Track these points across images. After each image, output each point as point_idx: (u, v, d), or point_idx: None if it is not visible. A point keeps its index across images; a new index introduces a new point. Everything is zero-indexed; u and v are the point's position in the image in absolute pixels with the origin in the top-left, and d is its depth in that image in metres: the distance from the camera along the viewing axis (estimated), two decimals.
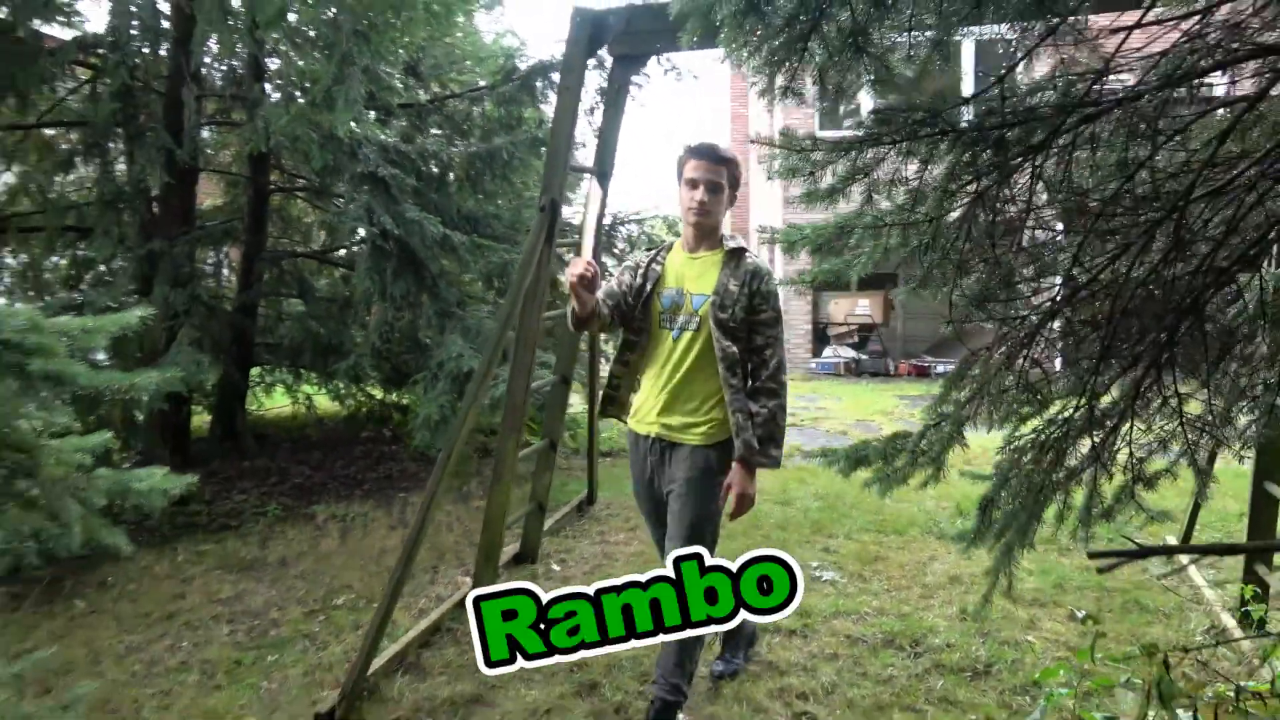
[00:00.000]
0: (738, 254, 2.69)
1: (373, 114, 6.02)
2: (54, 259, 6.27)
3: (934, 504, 5.37)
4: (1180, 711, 1.42)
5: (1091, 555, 1.39)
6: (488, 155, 5.89)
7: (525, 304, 3.52)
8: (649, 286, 2.70)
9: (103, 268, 6.23)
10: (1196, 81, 1.35)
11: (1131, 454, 2.05)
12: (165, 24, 5.72)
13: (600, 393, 2.87)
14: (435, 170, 6.09)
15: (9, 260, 6.45)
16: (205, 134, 6.86)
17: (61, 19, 6.27)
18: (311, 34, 5.39)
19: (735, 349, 2.59)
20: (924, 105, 1.41)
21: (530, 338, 3.58)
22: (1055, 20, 1.26)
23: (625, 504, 5.44)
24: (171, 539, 4.94)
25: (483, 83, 7.43)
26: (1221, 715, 1.44)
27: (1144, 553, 1.18)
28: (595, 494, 5.38)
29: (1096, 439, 1.90)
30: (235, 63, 6.45)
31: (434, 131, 7.06)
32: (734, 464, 2.62)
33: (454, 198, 6.06)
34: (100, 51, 5.59)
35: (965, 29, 1.32)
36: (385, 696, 3.12)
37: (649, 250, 2.90)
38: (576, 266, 2.43)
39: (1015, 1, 1.25)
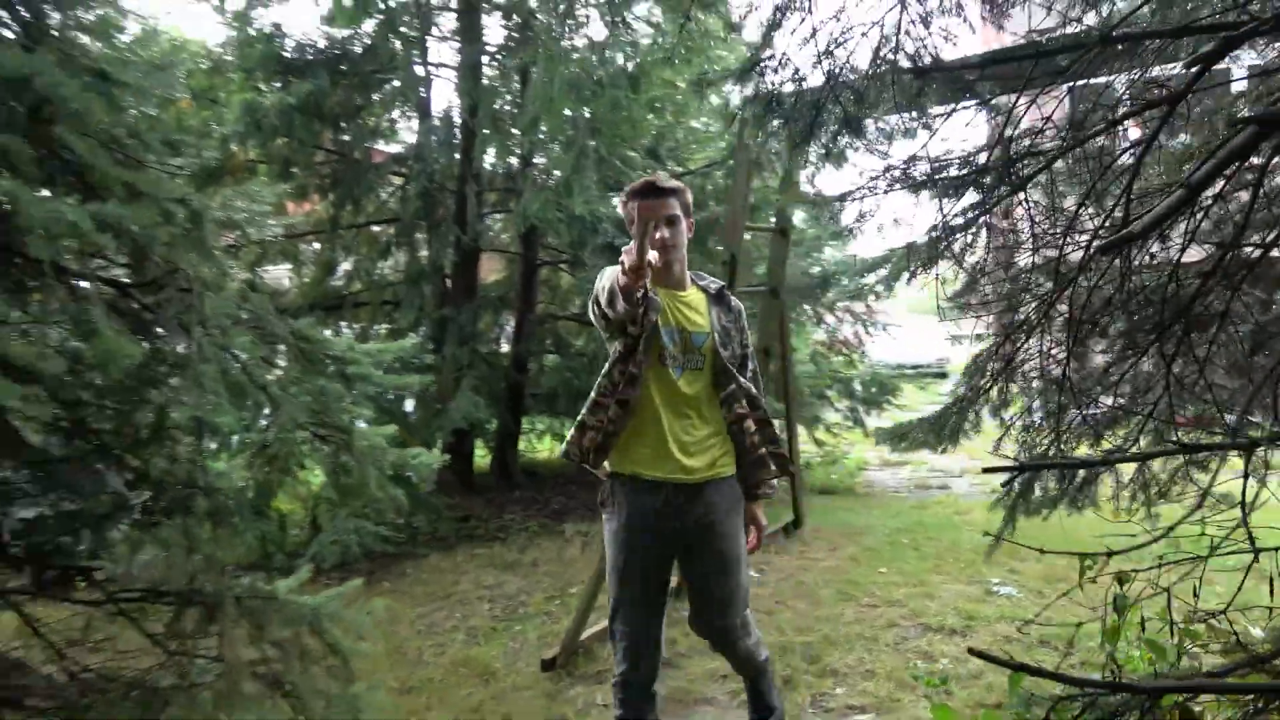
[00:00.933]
0: (723, 293, 2.62)
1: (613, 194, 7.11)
2: (376, 327, 7.92)
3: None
4: None
5: None
6: (707, 223, 6.75)
7: None
8: (654, 317, 2.39)
9: (411, 334, 7.80)
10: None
11: None
12: (456, 137, 7.24)
13: (585, 436, 2.50)
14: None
15: (345, 330, 8.23)
16: (487, 221, 8.36)
17: (384, 140, 8.08)
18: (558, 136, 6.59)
19: (734, 387, 2.51)
20: (897, 165, 1.96)
21: None
22: (974, 101, 1.76)
23: (832, 531, 5.92)
24: (455, 545, 6.14)
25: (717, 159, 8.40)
26: None
27: None
28: (802, 519, 5.91)
29: None
30: (512, 160, 7.89)
31: None
32: (752, 502, 2.63)
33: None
34: (409, 163, 7.19)
35: (913, 113, 1.85)
36: (594, 655, 3.91)
37: None
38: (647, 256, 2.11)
39: (941, 90, 1.78)
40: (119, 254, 2.28)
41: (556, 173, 6.46)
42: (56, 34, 2.19)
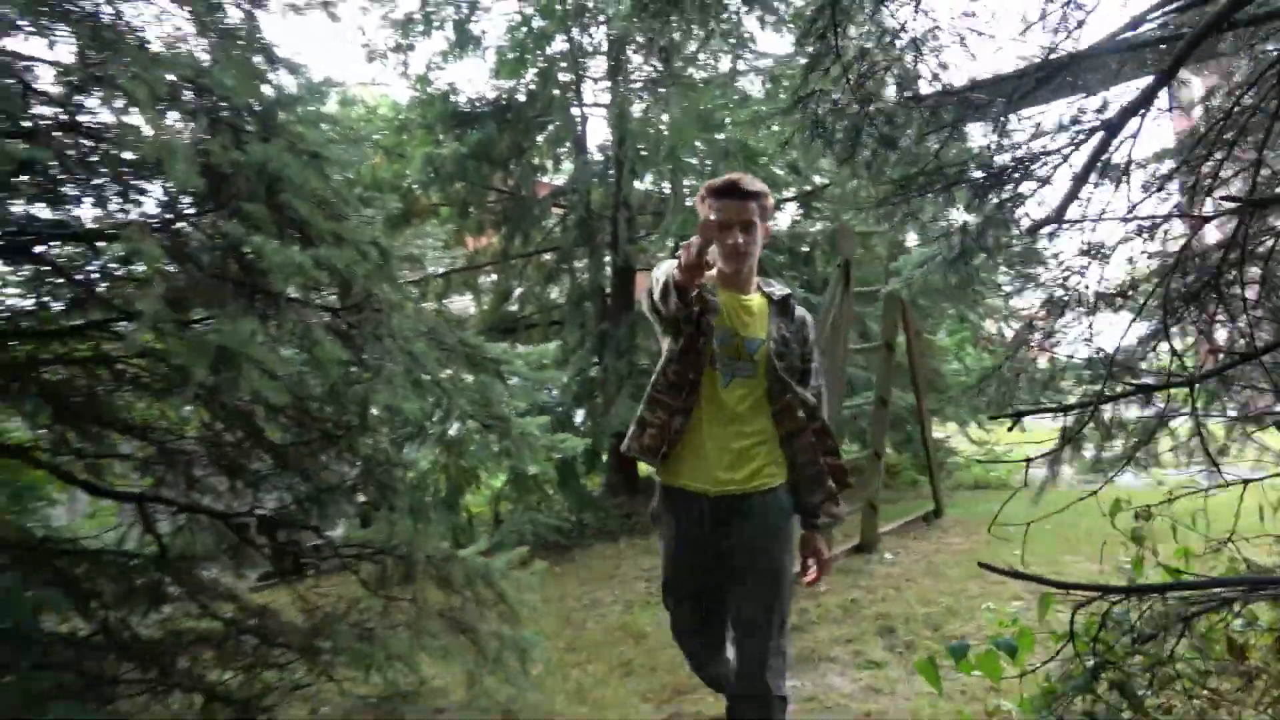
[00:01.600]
0: (786, 302, 2.48)
1: None
2: (546, 345, 8.73)
3: None
4: None
5: None
6: (832, 233, 7.10)
7: (831, 335, 4.64)
8: (710, 319, 2.29)
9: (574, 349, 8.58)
10: None
11: None
12: (609, 169, 7.97)
13: (645, 433, 2.40)
14: (805, 249, 7.46)
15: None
16: (641, 242, 9.04)
17: (547, 176, 8.95)
18: (694, 160, 7.17)
19: (790, 398, 2.35)
20: (927, 172, 2.32)
21: (837, 363, 4.68)
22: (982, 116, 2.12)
23: (974, 520, 6.08)
24: (619, 537, 6.78)
25: None
26: None
27: None
28: (942, 508, 6.11)
29: None
30: (657, 186, 8.54)
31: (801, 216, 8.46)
32: (811, 531, 2.45)
33: (816, 268, 7.35)
34: (568, 195, 7.98)
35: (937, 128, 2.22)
36: None
37: None
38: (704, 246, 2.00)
39: (954, 113, 2.15)
40: (330, 286, 3.01)
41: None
42: (282, 125, 2.96)
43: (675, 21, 2.39)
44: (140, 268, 3.01)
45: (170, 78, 2.68)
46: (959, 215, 2.49)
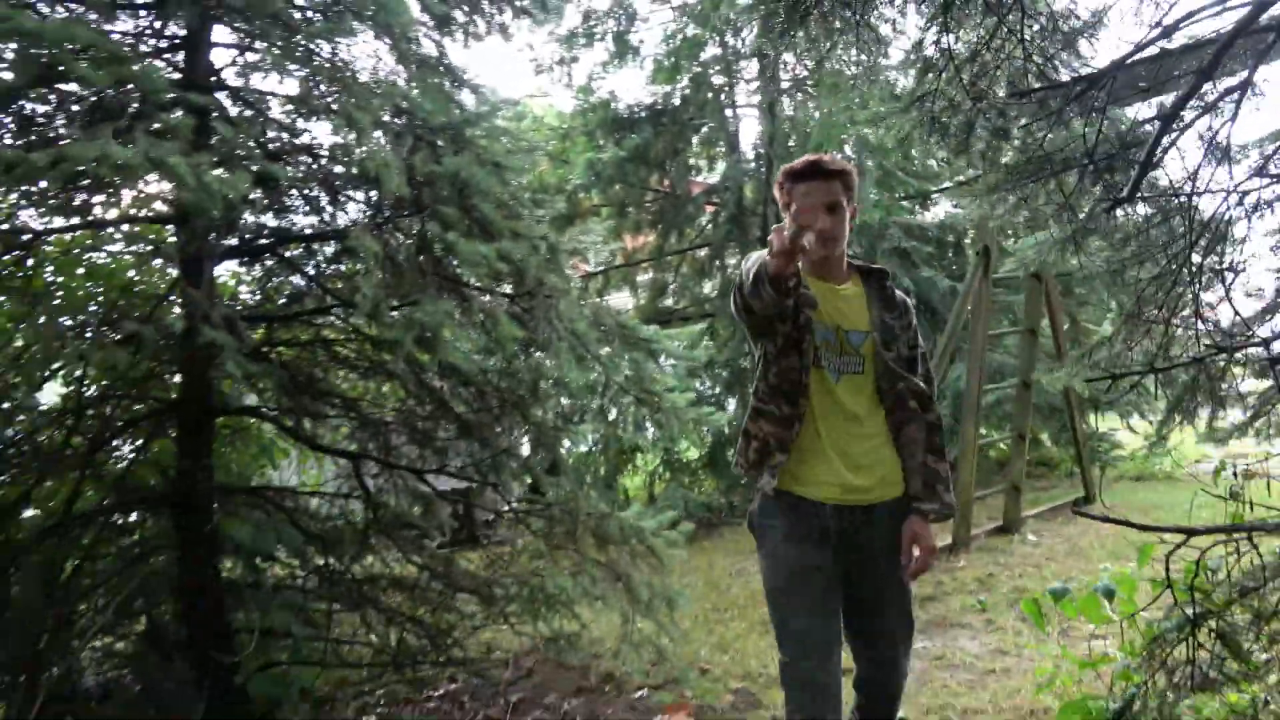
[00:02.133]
0: (880, 280, 2.27)
1: (904, 201, 7.72)
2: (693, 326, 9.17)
3: None
4: None
5: None
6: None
7: (972, 322, 4.79)
8: (809, 312, 2.07)
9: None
10: None
11: None
12: (759, 166, 8.28)
13: (750, 446, 2.16)
14: (950, 239, 7.52)
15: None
16: None
17: (701, 174, 9.36)
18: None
19: (902, 388, 2.16)
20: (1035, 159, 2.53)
21: (978, 348, 4.81)
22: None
23: (1128, 507, 5.99)
24: None
25: None
26: None
27: None
28: (1093, 495, 6.06)
29: None
30: None
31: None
32: (920, 518, 2.15)
33: (966, 258, 7.39)
34: (720, 193, 8.36)
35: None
36: None
37: None
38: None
39: (1059, 104, 2.37)
40: (508, 276, 3.52)
41: None
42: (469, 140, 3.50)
43: (801, 37, 2.67)
44: (351, 265, 3.64)
45: (379, 103, 3.25)
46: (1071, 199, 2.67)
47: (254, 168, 2.84)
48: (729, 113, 8.51)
